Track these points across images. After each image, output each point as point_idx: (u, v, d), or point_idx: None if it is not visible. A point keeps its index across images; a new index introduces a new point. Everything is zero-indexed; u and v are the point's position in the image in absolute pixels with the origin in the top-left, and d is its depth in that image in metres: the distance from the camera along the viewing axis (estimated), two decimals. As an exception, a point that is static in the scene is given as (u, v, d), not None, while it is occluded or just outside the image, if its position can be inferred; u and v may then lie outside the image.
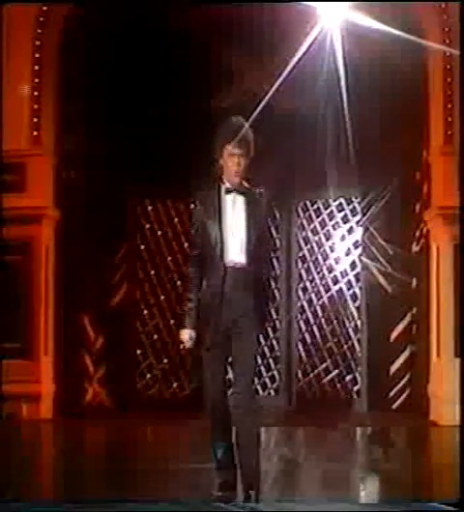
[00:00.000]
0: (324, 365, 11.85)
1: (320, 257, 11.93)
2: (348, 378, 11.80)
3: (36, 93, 10.71)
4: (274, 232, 11.71)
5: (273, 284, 11.27)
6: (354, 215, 11.84)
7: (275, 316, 11.71)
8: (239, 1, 10.63)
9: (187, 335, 5.71)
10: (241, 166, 5.70)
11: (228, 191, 5.76)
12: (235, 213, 5.73)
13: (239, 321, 5.62)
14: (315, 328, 11.90)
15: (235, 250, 5.66)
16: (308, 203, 11.90)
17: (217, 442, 5.73)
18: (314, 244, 11.93)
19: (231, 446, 5.70)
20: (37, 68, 10.71)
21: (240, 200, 5.74)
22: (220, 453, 5.72)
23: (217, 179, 5.80)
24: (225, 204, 5.74)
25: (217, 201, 5.74)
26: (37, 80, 10.71)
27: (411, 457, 8.96)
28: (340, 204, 11.86)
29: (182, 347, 5.82)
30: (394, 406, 11.50)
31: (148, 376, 12.05)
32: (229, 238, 5.68)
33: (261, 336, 6.08)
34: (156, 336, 12.08)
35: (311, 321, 11.90)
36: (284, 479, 7.30)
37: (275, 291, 11.74)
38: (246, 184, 5.78)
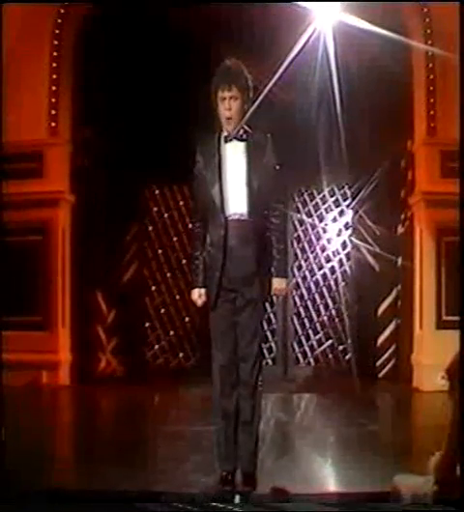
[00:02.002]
0: (317, 337, 12.19)
1: (314, 237, 12.27)
2: (339, 348, 12.15)
3: (54, 88, 11.05)
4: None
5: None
6: (345, 200, 12.22)
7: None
8: (237, 1, 10.79)
9: (196, 294, 5.33)
10: (233, 110, 5.18)
11: (228, 140, 5.27)
12: (235, 161, 5.24)
13: (243, 290, 5.18)
14: (309, 303, 12.23)
15: (236, 202, 5.19)
16: (303, 188, 12.23)
17: (221, 419, 5.31)
18: (308, 226, 12.26)
19: (234, 425, 5.29)
20: (55, 65, 11.04)
21: (240, 147, 5.25)
22: (222, 433, 5.30)
23: (217, 129, 5.34)
24: (225, 153, 5.25)
25: (217, 151, 5.25)
26: (55, 77, 11.05)
27: (398, 417, 9.58)
28: (332, 189, 12.21)
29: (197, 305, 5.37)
30: (381, 374, 11.88)
31: (156, 347, 12.42)
32: (230, 188, 5.19)
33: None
34: (163, 310, 12.43)
35: (306, 296, 12.24)
36: (282, 440, 7.73)
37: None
38: (248, 130, 5.27)
